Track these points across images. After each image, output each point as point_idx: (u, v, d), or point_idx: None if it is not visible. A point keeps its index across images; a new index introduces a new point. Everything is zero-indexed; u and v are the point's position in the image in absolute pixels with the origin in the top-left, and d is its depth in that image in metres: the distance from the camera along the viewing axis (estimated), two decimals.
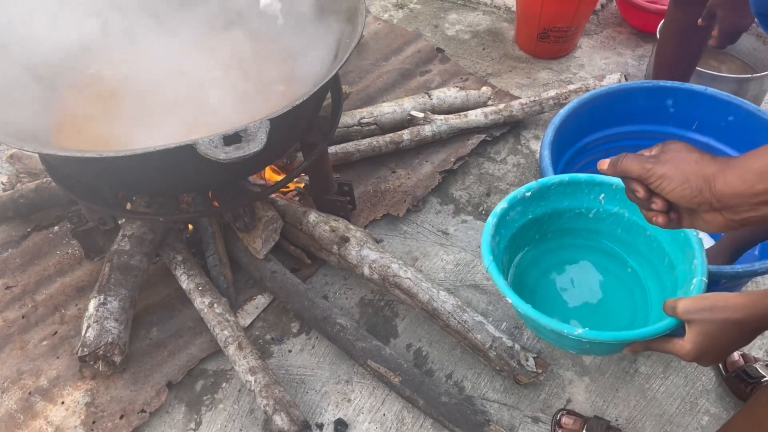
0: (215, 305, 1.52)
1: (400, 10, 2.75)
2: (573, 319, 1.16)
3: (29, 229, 1.84)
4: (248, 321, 1.61)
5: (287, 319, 1.62)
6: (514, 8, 2.55)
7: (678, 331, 0.92)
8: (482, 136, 2.06)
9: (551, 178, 1.17)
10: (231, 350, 1.44)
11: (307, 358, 1.54)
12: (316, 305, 1.53)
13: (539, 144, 2.08)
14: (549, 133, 1.44)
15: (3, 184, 1.94)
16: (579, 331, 0.95)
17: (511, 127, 2.12)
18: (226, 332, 1.47)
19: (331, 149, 1.92)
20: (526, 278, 1.22)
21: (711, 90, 1.51)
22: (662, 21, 1.64)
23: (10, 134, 1.21)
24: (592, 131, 1.62)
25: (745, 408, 1.02)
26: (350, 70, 2.34)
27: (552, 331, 0.98)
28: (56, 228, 1.84)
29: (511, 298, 1.01)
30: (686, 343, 0.88)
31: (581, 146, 1.63)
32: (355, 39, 1.28)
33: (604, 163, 0.81)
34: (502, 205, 1.15)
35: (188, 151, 1.09)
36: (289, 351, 1.56)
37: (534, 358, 1.40)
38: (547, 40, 2.36)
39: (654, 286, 1.18)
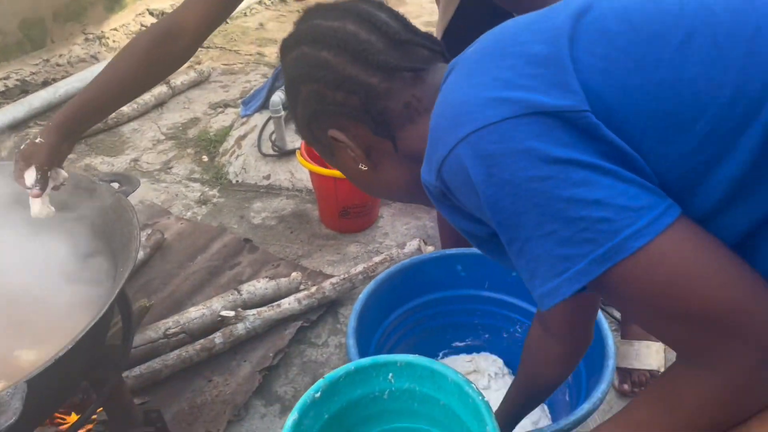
0: None
1: (203, 206, 2.75)
2: None
3: None
4: None
5: None
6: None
7: None
8: (299, 323, 2.02)
9: (337, 371, 1.14)
10: None
11: None
12: None
13: None
14: (351, 321, 1.44)
15: None
16: None
17: (327, 308, 2.12)
18: None
19: (136, 371, 1.76)
20: None
21: None
22: None
23: None
24: (397, 307, 1.65)
25: None
26: (153, 278, 2.24)
27: None
28: None
29: None
30: None
31: (390, 323, 1.65)
32: (127, 269, 1.21)
33: None
34: (292, 416, 1.07)
35: None
36: None
37: None
38: (348, 217, 2.47)
39: None
